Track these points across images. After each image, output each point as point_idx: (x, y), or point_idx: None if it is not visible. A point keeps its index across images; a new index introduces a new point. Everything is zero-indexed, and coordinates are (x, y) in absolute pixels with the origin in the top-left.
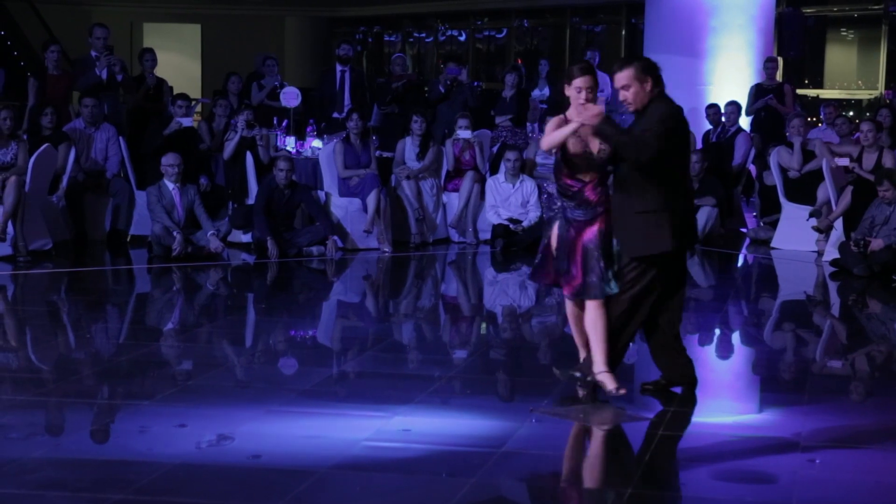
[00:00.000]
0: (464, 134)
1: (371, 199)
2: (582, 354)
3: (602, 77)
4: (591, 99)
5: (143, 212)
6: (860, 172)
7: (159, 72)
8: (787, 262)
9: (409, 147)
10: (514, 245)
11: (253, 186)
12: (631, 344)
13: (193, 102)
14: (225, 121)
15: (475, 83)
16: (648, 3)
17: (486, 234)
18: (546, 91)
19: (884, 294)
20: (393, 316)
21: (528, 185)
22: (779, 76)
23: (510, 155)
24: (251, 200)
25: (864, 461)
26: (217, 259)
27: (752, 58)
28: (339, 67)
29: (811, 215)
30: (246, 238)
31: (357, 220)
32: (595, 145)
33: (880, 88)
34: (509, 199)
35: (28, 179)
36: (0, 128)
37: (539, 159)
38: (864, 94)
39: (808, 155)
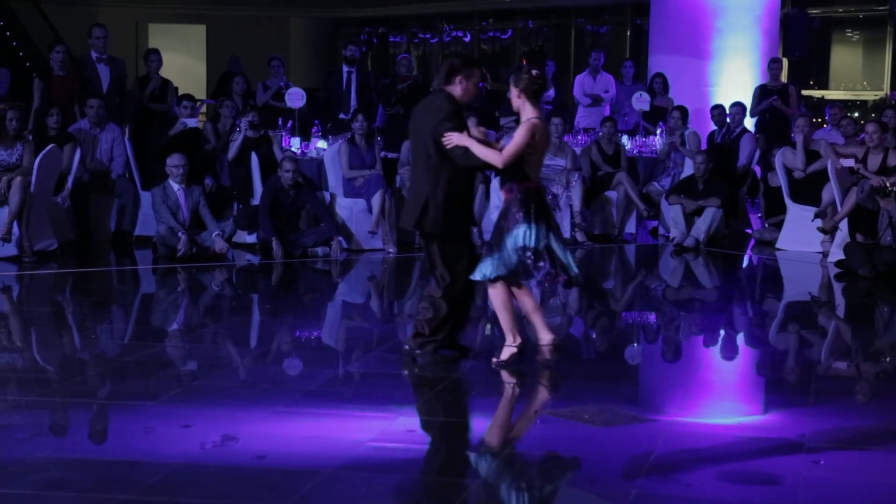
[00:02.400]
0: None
1: (376, 200)
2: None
3: (607, 78)
4: None
5: (148, 212)
6: (865, 173)
7: (164, 72)
8: (792, 263)
9: None
10: None
11: (258, 187)
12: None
13: (198, 103)
14: (230, 121)
15: (480, 84)
16: (653, 4)
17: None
18: (552, 92)
19: (889, 295)
20: (397, 317)
21: None
22: (784, 77)
23: None
24: (256, 201)
25: (870, 462)
26: (222, 260)
27: (756, 59)
28: (345, 68)
29: (816, 216)
30: (251, 239)
31: (362, 221)
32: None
33: (885, 89)
34: None
35: (33, 180)
36: (6, 128)
37: (545, 160)
38: (870, 95)
39: (812, 155)
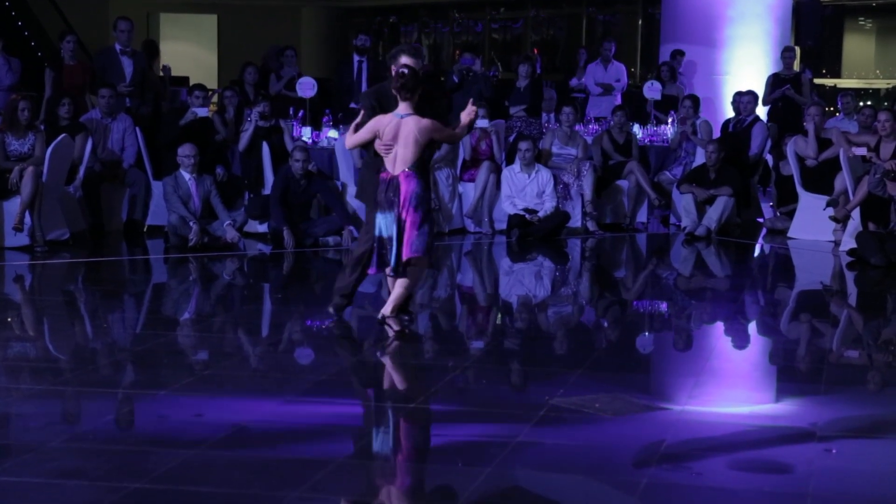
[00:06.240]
0: (481, 123)
1: None
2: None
3: (618, 67)
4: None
5: (160, 202)
6: (877, 162)
7: (175, 62)
8: (804, 251)
9: None
10: (529, 235)
11: (269, 176)
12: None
13: (210, 93)
14: (234, 110)
15: (490, 72)
16: None
17: (501, 224)
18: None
19: None
20: (408, 305)
21: (543, 175)
22: (796, 66)
23: (523, 145)
24: (267, 190)
25: (881, 451)
26: (233, 249)
27: (769, 47)
28: (356, 57)
29: (828, 205)
30: (262, 228)
31: None
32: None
33: None
34: (525, 190)
35: (45, 170)
36: (18, 118)
37: (555, 149)
38: (882, 84)
39: (825, 144)
